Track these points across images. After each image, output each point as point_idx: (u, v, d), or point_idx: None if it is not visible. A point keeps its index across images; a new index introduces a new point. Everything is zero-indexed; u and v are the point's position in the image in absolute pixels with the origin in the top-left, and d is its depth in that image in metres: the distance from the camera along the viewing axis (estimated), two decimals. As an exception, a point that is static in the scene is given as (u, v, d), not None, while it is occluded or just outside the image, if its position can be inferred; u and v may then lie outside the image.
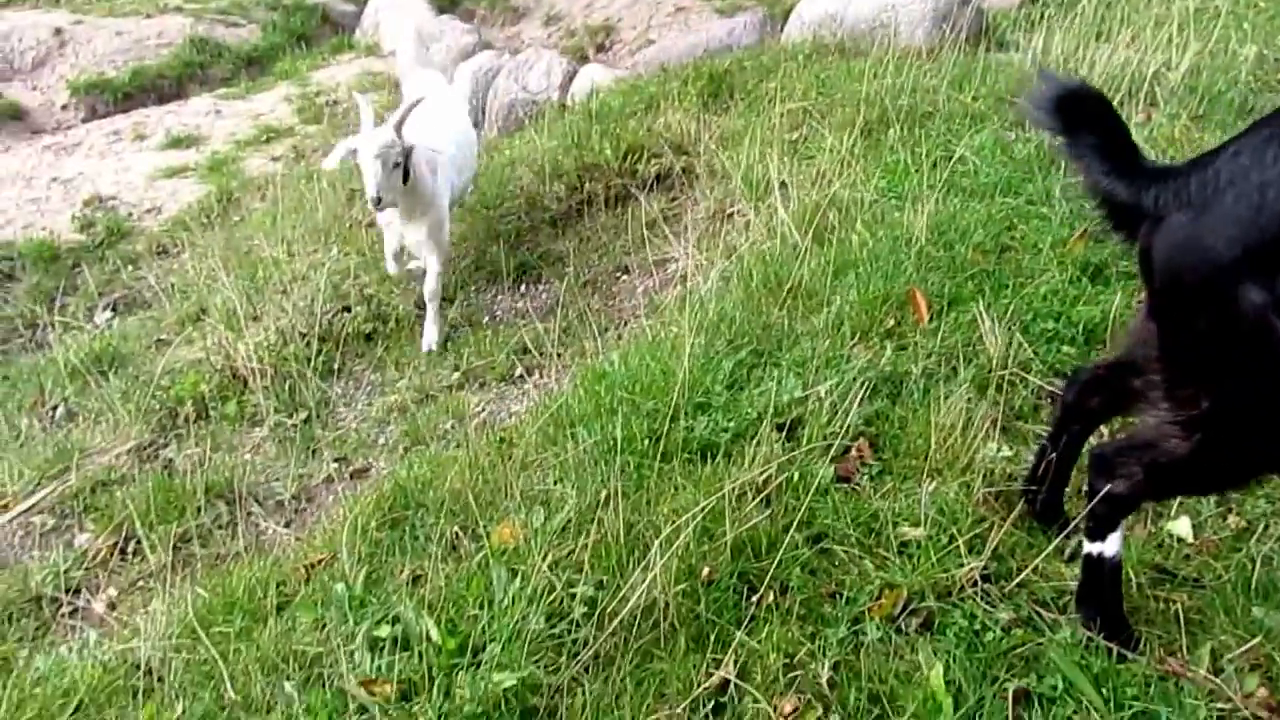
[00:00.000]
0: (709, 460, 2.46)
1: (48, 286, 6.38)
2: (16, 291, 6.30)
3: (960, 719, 1.79)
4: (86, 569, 2.73)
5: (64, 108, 9.58)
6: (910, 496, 2.26)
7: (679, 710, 1.90)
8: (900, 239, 3.24)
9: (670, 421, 2.53)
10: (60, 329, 5.63)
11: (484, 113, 7.64)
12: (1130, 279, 2.89)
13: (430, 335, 4.41)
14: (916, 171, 3.78)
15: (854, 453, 2.43)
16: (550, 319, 4.33)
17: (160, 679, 2.10)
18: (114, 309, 5.96)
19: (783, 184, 4.10)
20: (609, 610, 2.06)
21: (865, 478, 2.36)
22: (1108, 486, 1.79)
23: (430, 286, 4.39)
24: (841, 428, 2.40)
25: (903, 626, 2.00)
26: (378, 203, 3.88)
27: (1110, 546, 1.85)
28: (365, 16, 11.18)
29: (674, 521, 2.16)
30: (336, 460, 3.63)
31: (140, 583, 2.67)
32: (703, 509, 2.16)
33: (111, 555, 2.80)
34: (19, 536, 2.94)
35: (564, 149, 5.43)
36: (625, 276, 4.56)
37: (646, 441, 2.52)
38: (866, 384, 2.54)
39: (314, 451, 3.76)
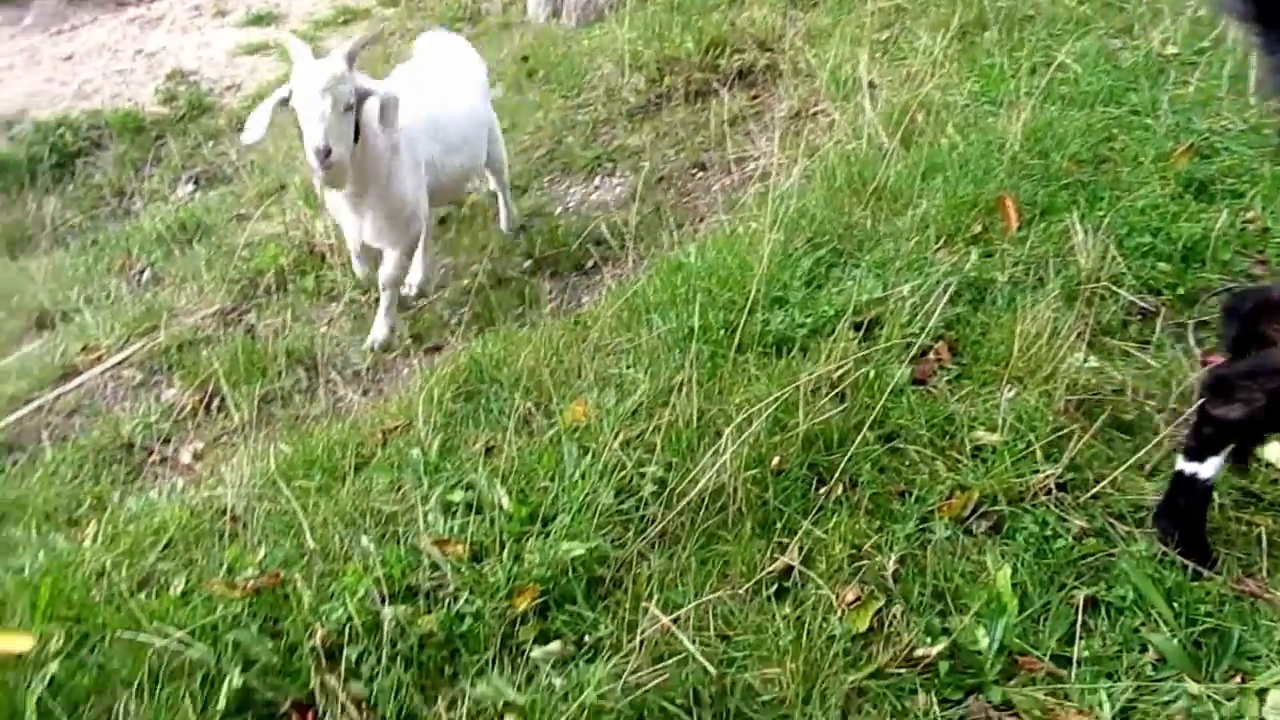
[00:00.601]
0: (783, 354, 2.45)
1: (133, 157, 6.51)
2: (104, 160, 6.43)
3: (1025, 620, 1.80)
4: (174, 421, 2.85)
5: (148, -20, 9.59)
6: (988, 401, 2.23)
7: (741, 591, 1.94)
8: (993, 144, 3.13)
9: (746, 314, 2.51)
10: (146, 198, 5.76)
11: (561, 3, 7.48)
12: (1237, 197, 2.77)
13: (378, 332, 3.56)
14: (1013, 77, 3.63)
15: (932, 355, 2.40)
16: (625, 212, 4.30)
17: (244, 525, 2.20)
18: (196, 182, 6.06)
19: (871, 84, 3.97)
20: (677, 491, 2.09)
21: (942, 380, 2.33)
22: (1223, 408, 1.74)
23: (387, 272, 3.50)
24: (921, 330, 2.37)
25: (972, 528, 2.00)
26: (326, 155, 2.89)
27: (1207, 469, 1.81)
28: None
29: (746, 410, 2.16)
30: (411, 337, 3.68)
31: (224, 438, 2.77)
32: (776, 399, 2.16)
33: (197, 410, 2.91)
34: (111, 388, 3.07)
35: (644, 40, 5.32)
36: (702, 173, 4.49)
37: (721, 332, 2.51)
38: (949, 288, 2.48)
39: (390, 329, 3.82)
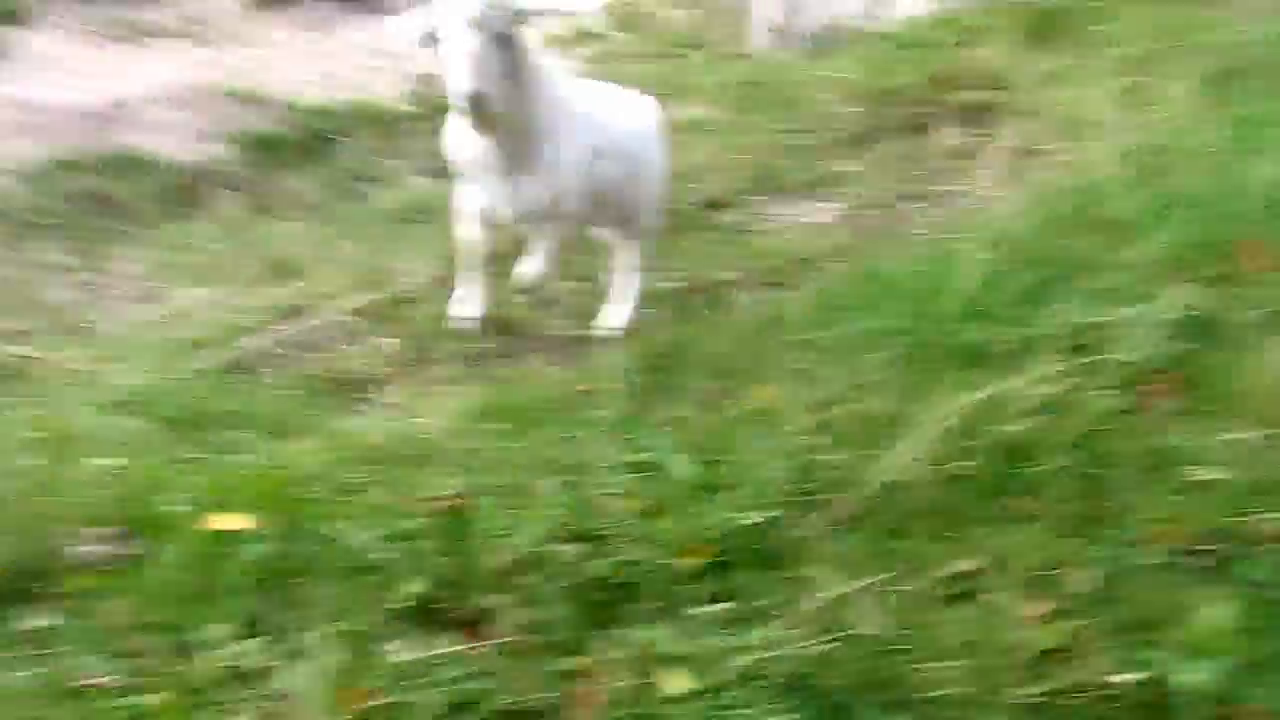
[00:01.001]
0: (982, 366, 2.39)
1: (374, 147, 7.04)
2: (350, 146, 7.00)
3: (1245, 668, 1.66)
4: (386, 367, 3.07)
5: (401, -8, 10.36)
6: (1211, 438, 2.09)
7: (917, 586, 1.89)
8: (1239, 189, 2.95)
9: (945, 324, 2.47)
10: (383, 183, 6.23)
11: (787, 35, 7.58)
12: None
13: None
14: (1270, 126, 3.41)
15: (1152, 387, 2.27)
16: (829, 234, 4.30)
17: (439, 454, 2.33)
18: (428, 173, 6.49)
19: (1104, 126, 3.82)
20: (856, 480, 2.07)
21: (1160, 412, 2.20)
22: None
23: (532, 269, 3.05)
24: (1142, 359, 2.25)
25: (1185, 563, 1.87)
26: (477, 103, 2.47)
27: None
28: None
29: (936, 412, 2.12)
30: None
31: (429, 387, 2.95)
32: (971, 404, 2.11)
33: (408, 360, 3.12)
34: (338, 331, 3.34)
35: (867, 72, 5.32)
36: (913, 203, 4.44)
37: (917, 338, 2.47)
38: (1177, 321, 2.35)
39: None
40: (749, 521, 1.98)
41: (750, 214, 4.77)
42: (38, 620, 1.95)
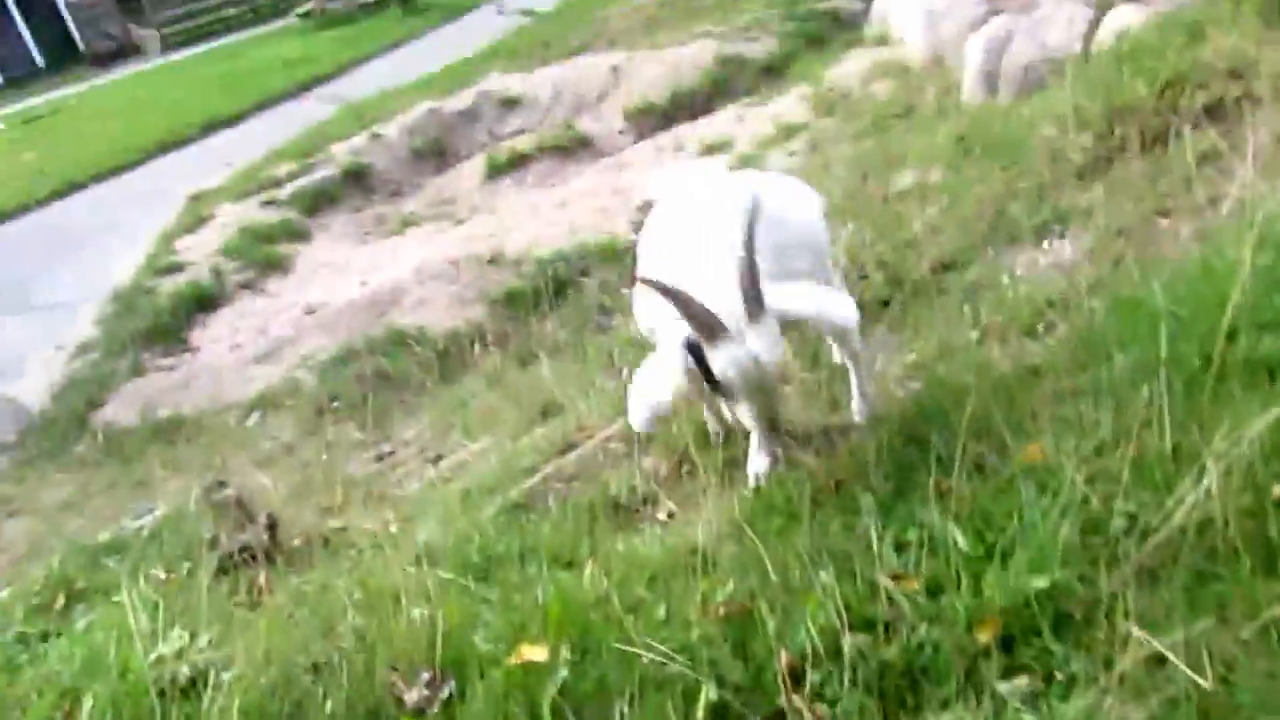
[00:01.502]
0: (1276, 380, 2.16)
1: (612, 279, 7.47)
2: (590, 284, 7.46)
3: None
4: (650, 484, 3.19)
5: (620, 132, 11.10)
6: None
7: (1244, 635, 1.71)
8: None
9: (1226, 340, 2.26)
10: (625, 313, 6.57)
11: (997, 80, 7.38)
12: None
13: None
14: None
15: None
16: (1078, 272, 4.07)
17: (713, 562, 2.39)
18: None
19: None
20: (1151, 526, 1.91)
21: None
22: None
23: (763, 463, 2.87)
24: None
25: None
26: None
27: None
28: (874, 10, 11.39)
29: (1232, 437, 1.94)
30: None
31: (692, 496, 3.04)
32: (1268, 424, 1.91)
33: (671, 475, 3.23)
34: (600, 458, 3.53)
35: (1089, 96, 5.06)
36: (1166, 221, 4.12)
37: (1195, 361, 2.28)
38: None
39: (836, 406, 3.94)
40: (1038, 586, 1.88)
41: (987, 268, 4.61)
42: (383, 764, 2.15)
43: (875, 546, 2.17)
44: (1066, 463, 2.16)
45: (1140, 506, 1.97)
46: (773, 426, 2.39)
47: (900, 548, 2.18)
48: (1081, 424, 2.31)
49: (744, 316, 2.22)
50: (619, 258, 7.77)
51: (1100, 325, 2.65)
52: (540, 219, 9.10)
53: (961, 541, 2.09)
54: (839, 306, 2.50)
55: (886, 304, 4.71)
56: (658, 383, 2.35)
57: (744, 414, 2.35)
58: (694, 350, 2.26)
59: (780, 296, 2.32)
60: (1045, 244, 4.59)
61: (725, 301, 2.27)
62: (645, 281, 2.37)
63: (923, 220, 5.22)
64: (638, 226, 8.07)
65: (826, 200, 5.78)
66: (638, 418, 2.34)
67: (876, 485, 2.41)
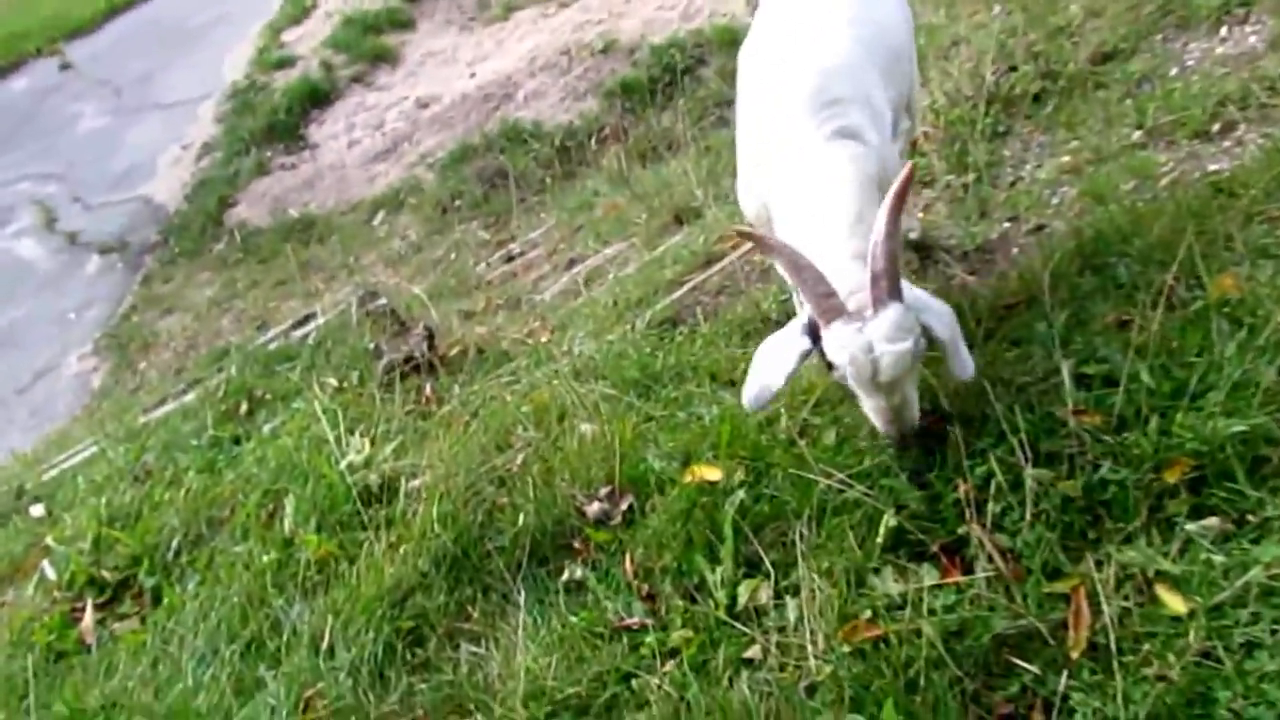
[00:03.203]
0: None
1: (732, 67, 7.16)
2: (708, 74, 7.18)
3: None
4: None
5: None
6: None
7: None
8: None
9: None
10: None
11: None
12: None
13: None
14: None
15: None
16: (1265, 63, 3.73)
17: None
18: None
19: None
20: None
21: None
22: None
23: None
24: None
25: None
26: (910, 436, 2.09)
27: None
28: None
29: None
30: (1010, 219, 3.64)
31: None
32: None
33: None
34: (746, 271, 3.53)
35: None
36: (1374, 4, 3.71)
37: None
38: None
39: (984, 212, 3.81)
40: (1233, 430, 1.86)
41: (1154, 60, 4.25)
42: (573, 572, 2.34)
43: (1050, 381, 2.17)
44: (1267, 297, 2.08)
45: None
46: (900, 432, 2.07)
47: (1080, 382, 2.16)
48: (1281, 254, 2.20)
49: (870, 300, 1.95)
50: (738, 44, 7.41)
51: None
52: (651, 2, 8.68)
53: (1147, 377, 2.07)
54: (962, 353, 2.06)
55: (1038, 99, 4.44)
56: (775, 362, 2.08)
57: (867, 409, 2.09)
58: (813, 330, 2.04)
59: (921, 301, 2.02)
60: (1224, 30, 4.20)
61: (847, 263, 2.04)
62: (766, 248, 2.16)
63: (1081, 3, 4.80)
64: (755, 7, 7.67)
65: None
66: (749, 396, 2.08)
67: (1052, 313, 2.36)
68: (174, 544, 3.06)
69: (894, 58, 2.64)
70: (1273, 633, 1.62)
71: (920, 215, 3.90)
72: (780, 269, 2.29)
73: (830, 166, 2.21)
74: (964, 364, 2.05)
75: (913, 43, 3.00)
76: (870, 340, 1.91)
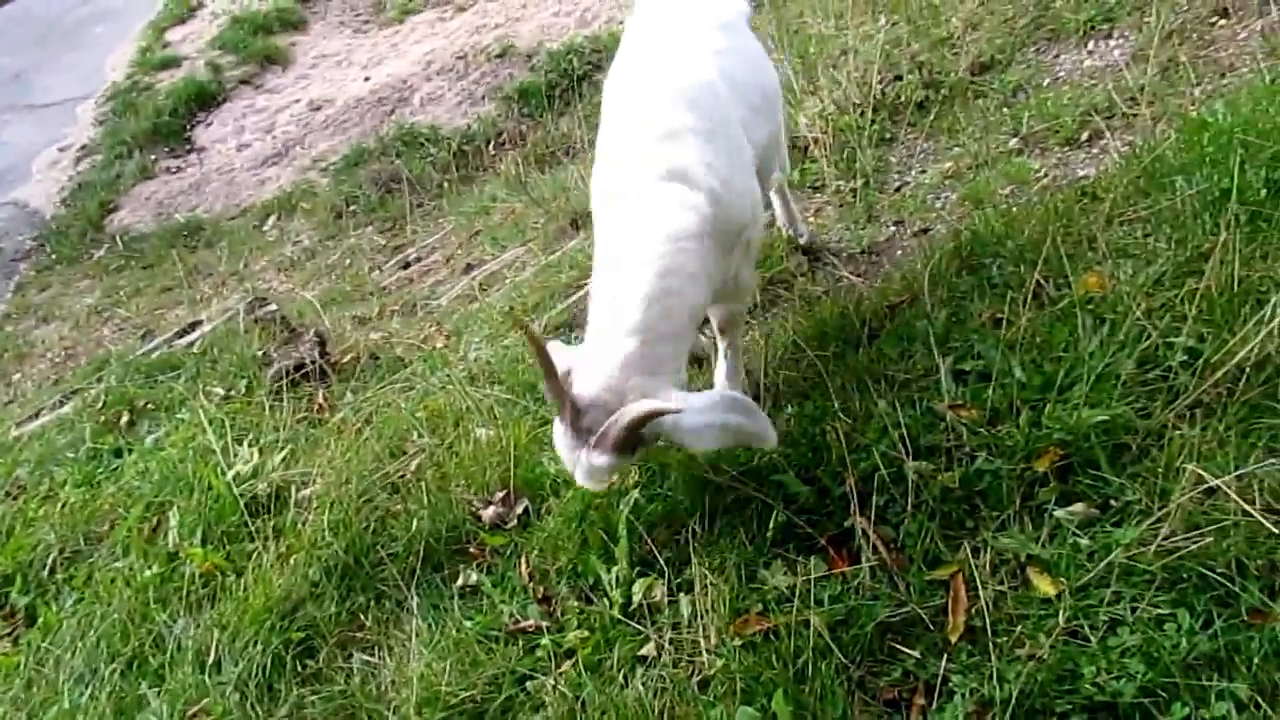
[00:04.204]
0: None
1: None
2: (604, 79, 7.20)
3: None
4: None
5: (628, -93, 10.32)
6: None
7: (1296, 465, 1.81)
8: None
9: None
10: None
11: None
12: None
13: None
14: None
15: None
16: (1127, 75, 3.95)
17: (768, 388, 2.47)
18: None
19: None
20: (1212, 360, 1.98)
21: None
22: None
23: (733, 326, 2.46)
24: None
25: None
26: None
27: None
28: None
29: (1298, 274, 1.97)
30: (895, 223, 3.76)
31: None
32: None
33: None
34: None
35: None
36: (1224, 21, 3.96)
37: (1264, 191, 2.28)
38: None
39: (871, 216, 3.93)
40: (1096, 420, 1.96)
41: (1028, 70, 4.46)
42: (468, 577, 2.32)
43: (933, 376, 2.25)
44: (1126, 295, 2.20)
45: (1200, 341, 2.03)
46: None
47: (958, 377, 2.25)
48: (1142, 254, 2.33)
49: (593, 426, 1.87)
50: (634, 51, 7.47)
51: (1163, 147, 2.61)
52: (548, 7, 8.68)
53: (1019, 372, 2.17)
54: (749, 437, 1.93)
55: (922, 107, 4.60)
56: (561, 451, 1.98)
57: None
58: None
59: (680, 428, 1.87)
60: (1091, 44, 4.43)
61: (606, 371, 1.91)
62: (534, 348, 1.93)
63: (961, 16, 5.00)
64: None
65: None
66: (579, 480, 1.97)
67: (932, 312, 2.46)
68: (49, 561, 2.92)
69: (765, 98, 2.51)
70: (1133, 610, 1.71)
71: (811, 219, 4.00)
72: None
73: (643, 218, 2.01)
74: (759, 441, 1.92)
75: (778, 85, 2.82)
76: (577, 461, 1.90)
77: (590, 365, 1.95)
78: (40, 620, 2.71)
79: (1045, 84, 4.31)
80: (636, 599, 2.08)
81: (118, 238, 7.29)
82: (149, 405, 3.64)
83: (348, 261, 6.18)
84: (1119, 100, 3.54)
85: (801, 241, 3.45)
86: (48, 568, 2.93)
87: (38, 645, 2.61)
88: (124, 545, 2.82)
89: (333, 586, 2.36)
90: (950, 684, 1.75)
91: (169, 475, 2.97)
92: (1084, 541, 1.84)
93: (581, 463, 1.88)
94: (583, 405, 1.90)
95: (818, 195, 4.20)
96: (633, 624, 2.04)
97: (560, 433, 1.93)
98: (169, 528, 2.76)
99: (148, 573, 2.62)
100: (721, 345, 2.45)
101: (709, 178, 2.05)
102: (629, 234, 2.02)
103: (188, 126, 8.70)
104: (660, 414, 1.81)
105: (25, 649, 2.63)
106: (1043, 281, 2.40)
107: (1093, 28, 4.44)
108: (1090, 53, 4.38)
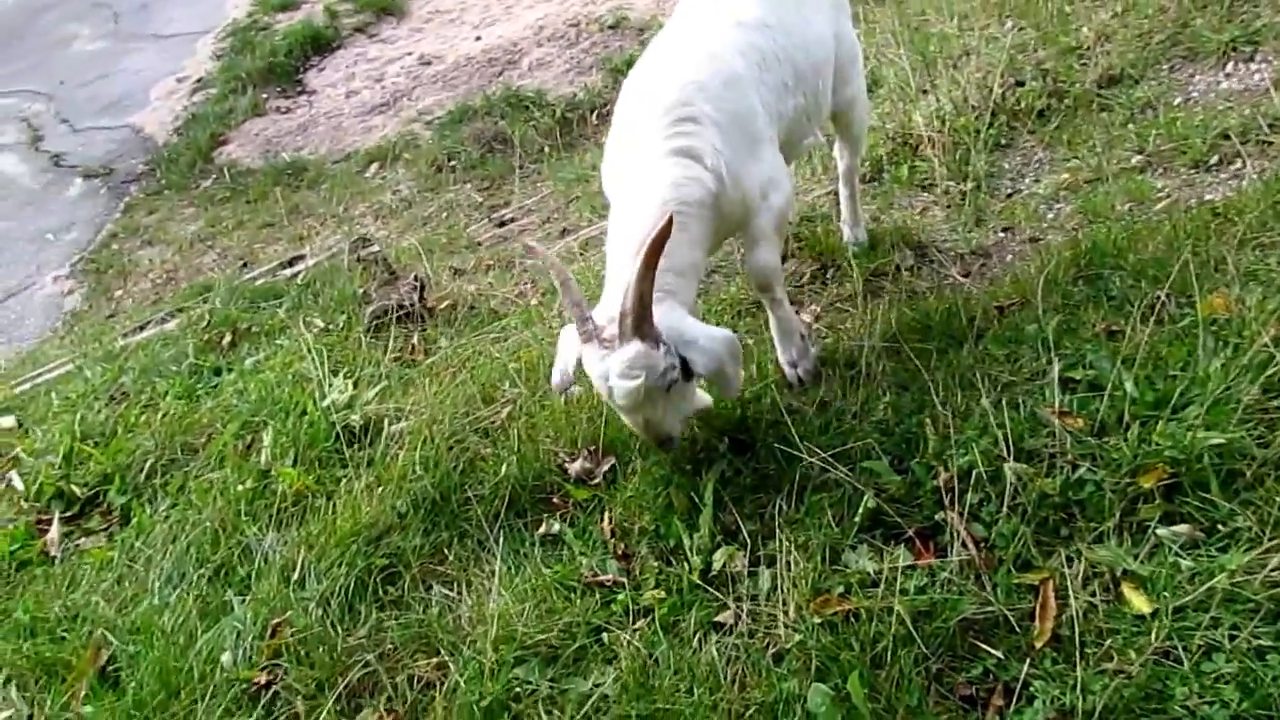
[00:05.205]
0: None
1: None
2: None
3: None
4: (795, 286, 3.22)
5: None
6: None
7: None
8: None
9: None
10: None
11: None
12: None
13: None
14: None
15: None
16: (1267, 100, 3.80)
17: (869, 374, 2.45)
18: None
19: None
20: (1342, 397, 1.91)
21: None
22: None
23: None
24: None
25: None
26: (668, 442, 2.19)
27: None
28: None
29: None
30: (1004, 229, 3.69)
31: (838, 304, 3.07)
32: None
33: (816, 278, 3.25)
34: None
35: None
36: (1376, 53, 3.79)
37: None
38: None
39: (980, 220, 3.86)
40: (1211, 443, 1.91)
41: (1159, 87, 4.32)
42: (550, 526, 2.35)
43: (1036, 382, 2.21)
44: (1254, 319, 2.13)
45: (1331, 376, 1.96)
46: (652, 441, 2.20)
47: (1066, 385, 2.21)
48: (1272, 280, 2.25)
49: (616, 335, 2.06)
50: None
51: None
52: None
53: (1130, 386, 2.11)
54: (728, 380, 2.16)
55: (1043, 115, 4.49)
56: (565, 353, 2.23)
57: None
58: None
59: (685, 336, 2.11)
60: (1229, 66, 4.27)
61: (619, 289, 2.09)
62: (532, 253, 2.22)
63: (1093, 26, 4.86)
64: None
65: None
66: (554, 380, 2.23)
67: (1043, 317, 2.41)
68: (147, 465, 3.04)
69: (797, 73, 2.57)
70: (1231, 638, 1.67)
71: (917, 217, 3.95)
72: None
73: (652, 182, 2.21)
74: (728, 388, 2.18)
75: (835, 60, 2.86)
76: (608, 369, 2.06)
77: (607, 294, 2.17)
78: (135, 520, 2.82)
79: (1176, 102, 4.17)
80: (717, 566, 2.09)
81: (225, 170, 7.49)
82: (251, 329, 3.75)
83: (445, 214, 6.26)
84: (1263, 123, 3.41)
85: (851, 248, 3.37)
86: (145, 472, 3.05)
87: (131, 544, 2.72)
88: (219, 458, 2.92)
89: (419, 520, 2.42)
90: (1031, 689, 1.72)
91: (266, 397, 3.06)
92: (1186, 563, 1.79)
93: (612, 367, 2.04)
94: (603, 321, 2.10)
95: (925, 194, 4.14)
96: (711, 590, 2.05)
97: (588, 353, 2.10)
98: (263, 446, 2.85)
99: (240, 487, 2.71)
100: (769, 311, 2.61)
101: (717, 160, 2.23)
102: (637, 188, 2.23)
103: (300, 69, 8.89)
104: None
105: (119, 545, 2.74)
106: (1164, 299, 2.34)
107: (1234, 49, 4.28)
108: (1229, 75, 4.22)
